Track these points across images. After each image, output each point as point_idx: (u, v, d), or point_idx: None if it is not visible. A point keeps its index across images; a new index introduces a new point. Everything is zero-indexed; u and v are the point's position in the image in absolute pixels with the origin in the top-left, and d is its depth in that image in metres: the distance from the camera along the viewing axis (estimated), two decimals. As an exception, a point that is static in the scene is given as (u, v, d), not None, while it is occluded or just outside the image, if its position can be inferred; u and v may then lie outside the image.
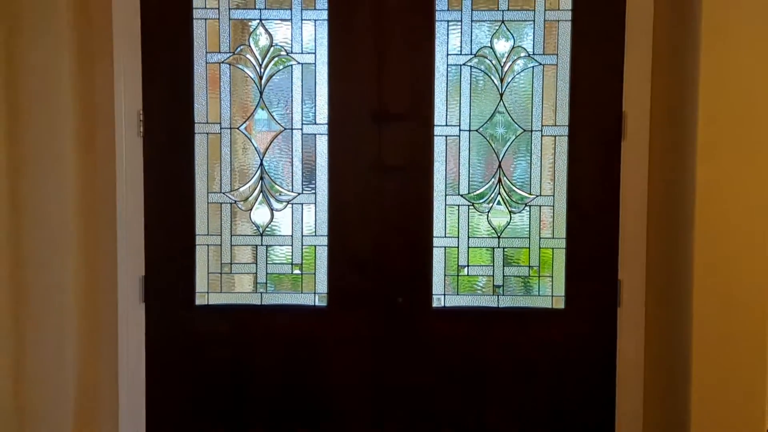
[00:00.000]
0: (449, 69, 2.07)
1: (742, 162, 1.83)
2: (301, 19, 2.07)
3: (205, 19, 2.07)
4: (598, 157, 2.08)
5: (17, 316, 1.86)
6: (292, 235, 2.13)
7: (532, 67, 2.07)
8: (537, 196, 2.11)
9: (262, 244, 2.13)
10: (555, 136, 2.09)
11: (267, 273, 2.14)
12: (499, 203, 2.12)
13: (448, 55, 2.07)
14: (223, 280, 2.14)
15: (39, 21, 1.85)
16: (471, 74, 2.08)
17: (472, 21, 2.06)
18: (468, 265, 2.13)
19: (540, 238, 2.12)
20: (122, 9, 2.03)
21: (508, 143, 2.10)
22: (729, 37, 1.81)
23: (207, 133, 2.10)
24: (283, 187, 2.12)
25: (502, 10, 2.06)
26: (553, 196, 2.11)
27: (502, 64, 2.07)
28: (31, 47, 1.85)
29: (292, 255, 2.13)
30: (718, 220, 1.84)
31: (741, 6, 1.80)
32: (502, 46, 2.07)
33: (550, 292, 2.13)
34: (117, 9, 2.02)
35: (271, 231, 2.14)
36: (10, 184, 1.84)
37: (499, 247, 2.13)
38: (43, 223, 1.89)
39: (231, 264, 2.14)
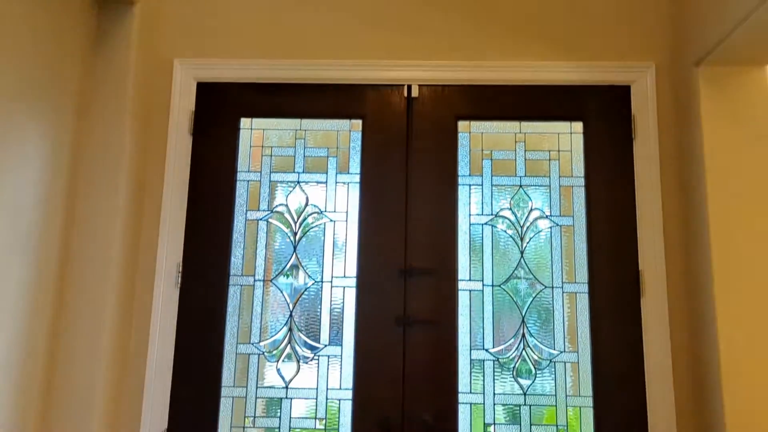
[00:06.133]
0: (472, 228, 2.21)
1: (761, 310, 1.87)
2: (336, 182, 2.26)
3: (248, 181, 2.26)
4: (619, 314, 2.13)
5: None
6: (317, 389, 2.13)
7: (550, 227, 2.21)
8: (561, 352, 2.13)
9: (287, 397, 2.13)
10: (576, 293, 2.16)
11: (290, 427, 2.11)
12: (524, 359, 2.14)
13: (470, 215, 2.22)
14: (245, 434, 2.11)
15: (100, 180, 2.04)
16: (493, 233, 2.21)
17: (492, 185, 2.24)
18: (494, 423, 2.10)
19: (566, 396, 2.11)
20: (174, 173, 2.23)
21: (531, 299, 2.17)
22: (732, 198, 1.95)
23: (241, 285, 2.20)
24: (310, 339, 2.16)
25: (520, 176, 2.24)
26: (577, 352, 2.13)
27: (522, 224, 2.21)
28: (90, 210, 2.03)
29: (316, 409, 2.12)
30: (743, 378, 1.84)
31: (742, 175, 1.97)
32: (521, 207, 2.22)
33: (580, 453, 2.07)
34: (169, 170, 2.23)
35: (297, 384, 2.14)
36: (52, 327, 1.91)
37: (525, 404, 2.11)
38: (73, 369, 1.92)
39: (255, 417, 2.11)
